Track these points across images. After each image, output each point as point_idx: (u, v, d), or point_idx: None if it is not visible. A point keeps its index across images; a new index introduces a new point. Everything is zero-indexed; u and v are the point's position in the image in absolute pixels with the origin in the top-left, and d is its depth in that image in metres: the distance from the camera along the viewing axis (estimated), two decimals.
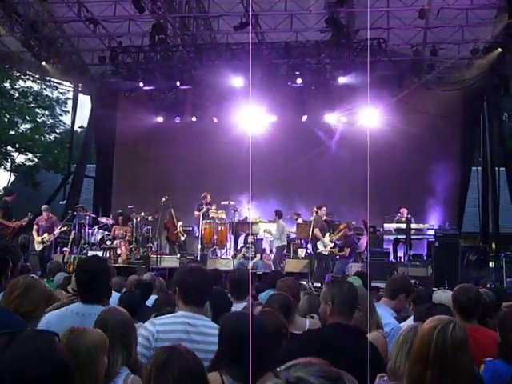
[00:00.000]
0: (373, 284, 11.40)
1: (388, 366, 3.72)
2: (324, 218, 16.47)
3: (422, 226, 17.84)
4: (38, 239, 16.71)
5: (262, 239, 18.37)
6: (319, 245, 16.07)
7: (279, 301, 5.37)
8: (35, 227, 16.94)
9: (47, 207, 17.43)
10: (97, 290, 4.47)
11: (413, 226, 17.29)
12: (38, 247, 16.74)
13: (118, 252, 16.97)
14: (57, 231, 16.90)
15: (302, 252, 18.14)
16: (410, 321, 5.46)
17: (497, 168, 20.59)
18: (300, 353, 3.37)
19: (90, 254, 16.42)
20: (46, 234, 16.71)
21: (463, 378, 2.95)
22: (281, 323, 4.64)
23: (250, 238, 17.91)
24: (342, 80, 18.71)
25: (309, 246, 17.10)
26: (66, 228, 17.35)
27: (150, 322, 4.22)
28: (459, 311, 5.13)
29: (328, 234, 16.16)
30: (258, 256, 17.48)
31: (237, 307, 5.46)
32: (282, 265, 16.69)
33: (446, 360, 2.92)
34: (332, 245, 16.20)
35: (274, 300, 5.42)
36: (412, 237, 17.27)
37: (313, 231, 16.10)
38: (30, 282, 4.29)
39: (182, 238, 18.84)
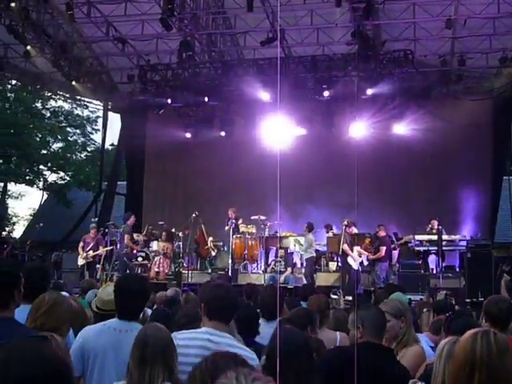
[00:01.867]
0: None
1: (433, 381, 3.67)
2: (353, 232, 16.49)
3: (453, 237, 17.67)
4: (82, 254, 17.17)
5: (292, 253, 18.33)
6: (349, 260, 16.09)
7: (298, 316, 5.38)
8: (81, 244, 17.47)
9: (94, 226, 18.05)
10: (135, 309, 4.52)
11: (444, 237, 17.14)
12: (81, 262, 17.19)
13: (156, 269, 16.86)
14: (101, 250, 17.34)
15: (333, 265, 18.07)
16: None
17: None
18: (330, 370, 3.37)
19: None
20: (91, 252, 17.20)
21: (509, 383, 2.94)
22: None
23: (280, 252, 17.87)
24: (369, 92, 18.70)
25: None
26: (110, 248, 17.73)
27: (173, 337, 4.21)
28: (491, 323, 5.07)
29: (356, 248, 16.19)
30: (289, 270, 17.43)
31: (265, 326, 5.46)
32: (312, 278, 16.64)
33: (492, 364, 2.91)
34: (361, 259, 16.23)
35: (293, 316, 5.44)
36: (444, 248, 17.12)
37: (342, 246, 16.18)
38: (57, 300, 4.32)
39: (213, 253, 18.88)
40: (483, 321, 5.26)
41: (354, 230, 16.73)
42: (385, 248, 16.31)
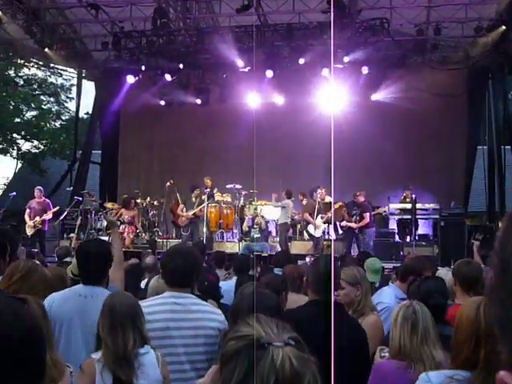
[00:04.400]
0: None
1: (390, 346, 3.75)
2: (320, 199, 16.48)
3: (427, 205, 17.80)
4: (29, 223, 16.39)
5: (268, 221, 18.38)
6: (310, 228, 16.18)
7: (268, 279, 5.43)
8: (27, 211, 16.64)
9: (40, 189, 17.13)
10: (97, 273, 4.55)
11: (418, 205, 17.27)
12: (30, 231, 16.40)
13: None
14: (49, 214, 16.68)
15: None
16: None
17: (502, 147, 20.48)
18: None
19: None
20: (37, 218, 16.43)
21: None
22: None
23: (257, 219, 17.86)
24: (345, 60, 18.63)
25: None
26: (57, 209, 17.12)
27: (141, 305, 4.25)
28: (462, 283, 5.11)
29: (320, 215, 16.15)
30: (264, 238, 17.51)
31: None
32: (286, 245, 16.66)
33: (495, 335, 2.95)
34: (324, 226, 16.25)
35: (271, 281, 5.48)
36: (418, 217, 17.27)
37: (303, 216, 16.34)
38: (31, 267, 4.31)
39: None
40: (455, 285, 5.29)
41: (327, 198, 16.78)
42: (368, 214, 16.32)
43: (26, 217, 16.58)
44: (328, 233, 16.70)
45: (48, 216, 16.73)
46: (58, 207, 17.25)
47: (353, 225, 16.18)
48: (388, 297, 5.83)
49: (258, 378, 1.54)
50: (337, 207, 16.23)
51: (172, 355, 4.02)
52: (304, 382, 1.56)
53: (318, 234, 16.13)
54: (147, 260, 9.03)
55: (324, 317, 3.36)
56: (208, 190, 17.74)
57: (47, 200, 17.17)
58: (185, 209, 17.36)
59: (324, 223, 16.20)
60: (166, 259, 4.45)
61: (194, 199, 17.23)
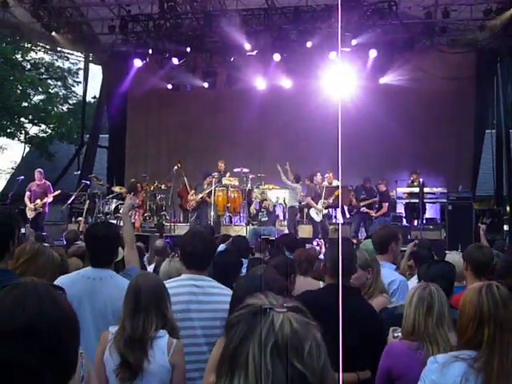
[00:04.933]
0: None
1: (403, 326, 3.76)
2: (323, 184, 16.52)
3: (435, 189, 17.77)
4: (30, 206, 16.24)
5: (275, 205, 18.35)
6: (311, 212, 16.16)
7: (275, 262, 5.43)
8: (27, 193, 16.49)
9: (40, 171, 16.97)
10: (106, 255, 4.56)
11: (426, 189, 17.24)
12: (31, 215, 16.23)
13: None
14: (50, 196, 16.52)
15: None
16: (414, 279, 5.42)
17: (511, 130, 20.39)
18: None
19: None
20: (38, 200, 16.31)
21: None
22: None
23: (265, 203, 17.85)
24: (353, 43, 18.52)
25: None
26: (58, 192, 16.92)
27: None
28: (473, 267, 5.11)
29: (321, 200, 16.13)
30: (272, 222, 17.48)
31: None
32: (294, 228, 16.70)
33: (499, 316, 3.01)
34: (326, 211, 16.28)
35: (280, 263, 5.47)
36: (425, 201, 17.24)
37: (306, 200, 16.38)
38: (39, 249, 4.31)
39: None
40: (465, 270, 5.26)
41: (335, 182, 16.80)
42: (388, 204, 16.45)
43: (27, 199, 16.45)
44: (335, 217, 16.71)
45: (49, 199, 16.58)
46: (59, 190, 17.14)
47: (372, 213, 16.36)
48: (391, 273, 5.77)
49: (256, 341, 1.52)
50: (336, 193, 16.22)
51: (190, 337, 4.07)
52: (305, 345, 1.52)
53: (318, 218, 16.12)
54: (157, 243, 9.06)
55: (341, 300, 3.38)
56: (221, 173, 17.78)
57: (47, 182, 17.03)
58: (194, 194, 17.43)
59: (325, 208, 16.23)
60: (184, 242, 4.50)
61: (205, 186, 17.26)
